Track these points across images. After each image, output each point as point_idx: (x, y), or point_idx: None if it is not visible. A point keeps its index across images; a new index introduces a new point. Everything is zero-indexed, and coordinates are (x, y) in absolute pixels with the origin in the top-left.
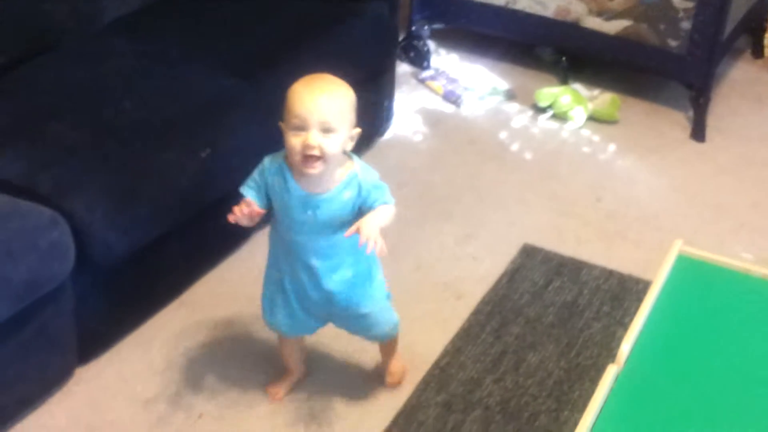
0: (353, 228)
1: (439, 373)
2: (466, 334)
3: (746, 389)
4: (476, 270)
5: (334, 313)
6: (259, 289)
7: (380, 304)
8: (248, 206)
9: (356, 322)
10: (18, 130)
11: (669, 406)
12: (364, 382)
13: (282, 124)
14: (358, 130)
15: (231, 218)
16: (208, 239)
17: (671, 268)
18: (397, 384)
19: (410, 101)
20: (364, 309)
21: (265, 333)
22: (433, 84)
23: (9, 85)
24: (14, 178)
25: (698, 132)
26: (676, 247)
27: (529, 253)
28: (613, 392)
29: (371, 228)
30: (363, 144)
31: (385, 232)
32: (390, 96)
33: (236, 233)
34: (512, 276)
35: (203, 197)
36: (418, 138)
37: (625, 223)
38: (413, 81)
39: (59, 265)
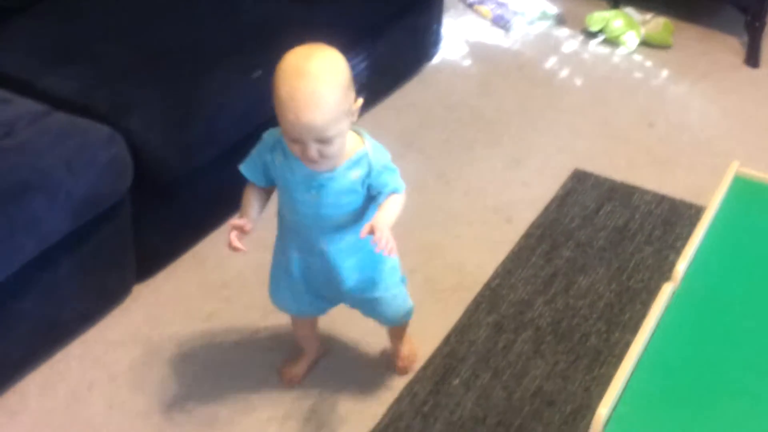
0: (366, 228)
1: (490, 294)
2: (517, 257)
3: None
4: (526, 194)
5: (346, 295)
6: None
7: (393, 289)
8: (240, 229)
9: (368, 306)
10: (70, 51)
11: (724, 326)
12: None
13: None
14: (360, 102)
15: (233, 248)
16: None
17: (728, 189)
18: (407, 369)
19: (458, 26)
20: (376, 293)
21: None
22: (482, 8)
23: (59, 7)
24: (70, 96)
25: (752, 57)
26: (733, 169)
27: (579, 178)
28: (668, 311)
29: (385, 229)
30: (411, 69)
31: (436, 155)
32: (438, 20)
33: None
34: (563, 200)
35: (256, 118)
36: (467, 63)
37: (678, 149)
38: (461, 5)
39: (118, 182)
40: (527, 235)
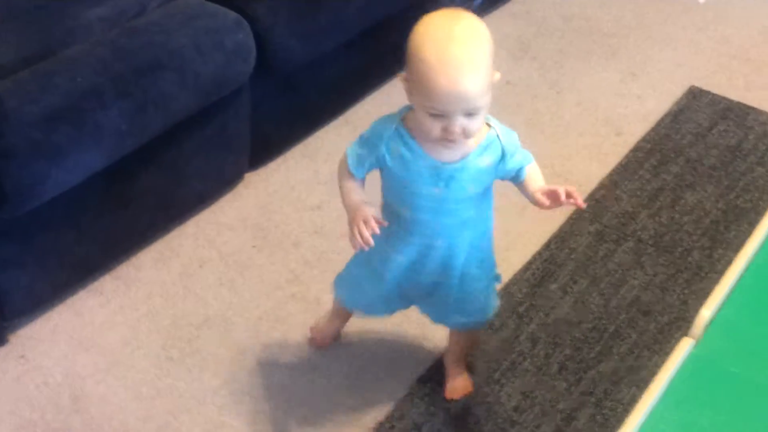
0: (544, 195)
1: (594, 204)
2: (624, 169)
3: None
4: (639, 108)
5: (435, 295)
6: None
7: (491, 285)
8: (369, 224)
9: (455, 305)
10: None
11: None
12: None
13: (406, 84)
14: (498, 75)
15: (359, 245)
16: (378, 58)
17: None
18: (455, 398)
19: None
20: (475, 287)
21: None
22: None
23: None
24: None
25: None
26: None
27: (695, 94)
28: None
29: (558, 185)
30: None
31: (550, 64)
32: None
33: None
34: (676, 116)
35: (378, 13)
36: None
37: None
38: None
39: (242, 66)
40: (636, 149)
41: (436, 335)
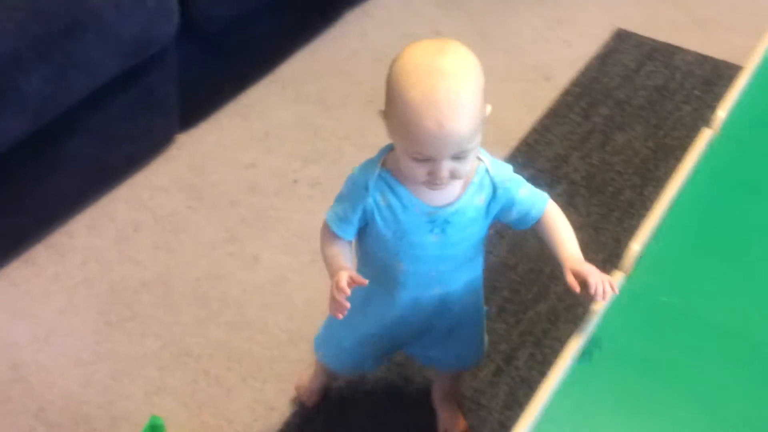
0: (575, 281)
1: (527, 149)
2: (554, 114)
3: None
4: (566, 53)
5: (426, 338)
6: (350, 68)
7: (482, 321)
8: (342, 289)
9: (448, 349)
10: None
11: (763, 174)
12: None
13: (386, 122)
14: (490, 108)
15: (338, 313)
16: (304, 14)
17: None
18: None
19: None
20: (469, 331)
21: (359, 109)
22: None
23: None
24: None
25: None
26: None
27: (621, 37)
28: (705, 157)
29: (595, 271)
30: None
31: (477, 14)
32: None
33: (330, 15)
34: (603, 59)
35: None
36: None
37: (721, 9)
38: None
39: (165, 25)
40: (566, 93)
41: None
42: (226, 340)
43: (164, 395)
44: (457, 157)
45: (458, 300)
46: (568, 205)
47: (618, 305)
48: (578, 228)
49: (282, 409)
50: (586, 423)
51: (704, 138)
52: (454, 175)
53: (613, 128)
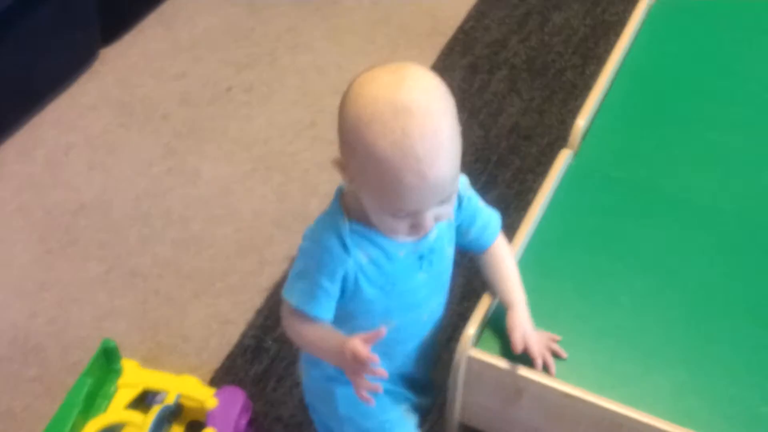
0: (520, 342)
1: (464, 37)
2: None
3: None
4: None
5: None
6: None
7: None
8: (365, 363)
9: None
10: None
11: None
12: None
13: (347, 176)
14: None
15: (366, 397)
16: None
17: None
18: None
19: None
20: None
21: (291, 8)
22: None
23: None
24: None
25: None
26: None
27: None
28: (645, 27)
29: (536, 340)
30: None
31: None
32: None
33: None
34: None
35: None
36: None
37: None
38: None
39: None
40: None
41: (298, 188)
42: (174, 257)
43: (115, 318)
44: (442, 201)
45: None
46: (510, 91)
47: (568, 182)
48: (523, 113)
49: (237, 322)
50: (544, 304)
51: (641, 9)
52: (438, 219)
53: (550, 8)
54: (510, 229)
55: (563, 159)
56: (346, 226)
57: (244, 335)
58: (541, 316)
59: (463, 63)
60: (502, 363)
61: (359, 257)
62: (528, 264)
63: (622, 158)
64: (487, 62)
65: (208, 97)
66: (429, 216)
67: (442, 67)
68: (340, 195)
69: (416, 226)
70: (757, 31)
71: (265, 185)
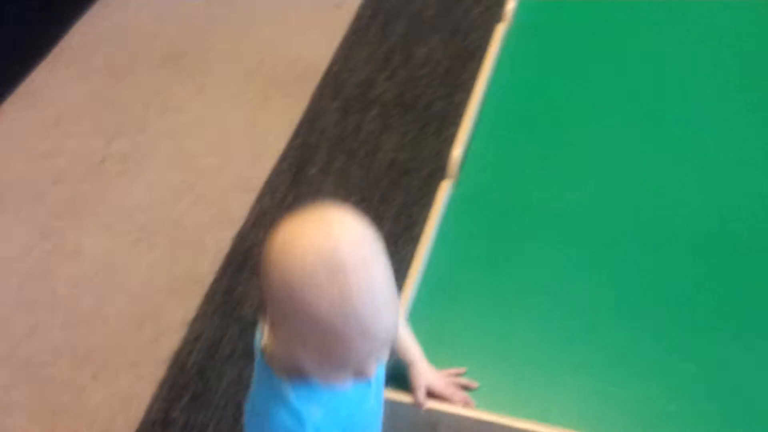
0: (423, 394)
1: (332, 81)
2: (352, 40)
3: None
4: None
5: None
6: (135, 28)
7: None
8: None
9: None
10: None
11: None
12: None
13: (281, 335)
14: None
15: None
16: None
17: None
18: None
19: None
20: None
21: (153, 70)
22: None
23: None
24: None
25: None
26: None
27: None
28: (504, 52)
29: (445, 384)
30: None
31: None
32: None
33: None
34: None
35: None
36: None
37: None
38: None
39: None
40: (359, 17)
41: (187, 251)
42: (67, 340)
43: (13, 412)
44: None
45: None
46: (384, 128)
47: (452, 212)
48: (399, 148)
49: (141, 396)
50: (445, 333)
51: (499, 33)
52: (381, 360)
53: (412, 43)
54: (402, 262)
55: (445, 190)
56: (290, 392)
57: (149, 409)
58: (443, 345)
59: (334, 106)
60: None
61: (314, 416)
62: (424, 296)
63: (501, 181)
64: (358, 102)
65: (82, 172)
66: (373, 362)
67: (315, 112)
68: (267, 358)
69: (361, 373)
70: (609, 48)
71: (152, 253)
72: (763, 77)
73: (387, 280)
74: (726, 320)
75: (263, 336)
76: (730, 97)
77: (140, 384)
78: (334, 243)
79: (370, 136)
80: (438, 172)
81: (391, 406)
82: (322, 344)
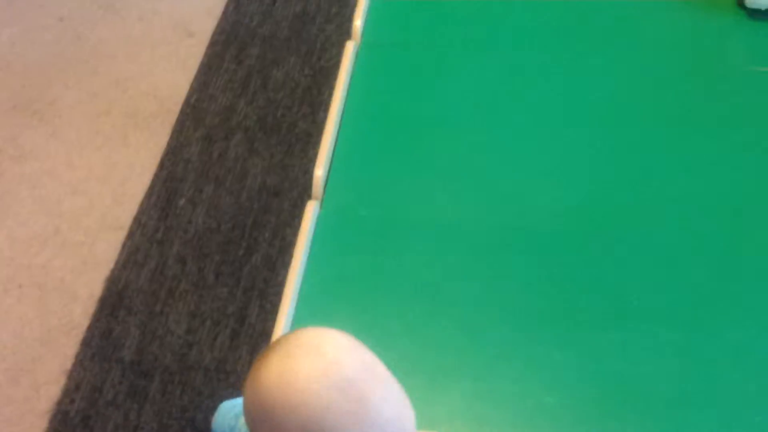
0: None
1: (192, 111)
2: (208, 68)
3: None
4: (200, 5)
5: None
6: None
7: None
8: None
9: None
10: None
11: (410, 75)
12: None
13: None
14: None
15: None
16: None
17: None
18: None
19: None
20: None
21: (3, 117)
22: None
23: None
24: None
25: None
26: None
27: None
28: (355, 69)
29: None
30: None
31: None
32: None
33: None
34: (237, 2)
35: None
36: None
37: None
38: None
39: None
40: (213, 44)
41: (59, 298)
42: None
43: None
44: None
45: None
46: (249, 153)
47: (321, 232)
48: (267, 171)
49: None
50: None
51: (349, 51)
52: None
53: (269, 65)
54: (282, 285)
55: (311, 210)
56: None
57: None
58: None
59: (197, 136)
60: None
61: None
62: (302, 318)
63: (365, 197)
64: (221, 130)
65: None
66: None
67: (177, 143)
68: None
69: None
70: (460, 58)
71: (22, 304)
72: (627, 77)
73: (390, 377)
74: (594, 310)
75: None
76: (577, 99)
77: None
78: (334, 361)
79: (236, 162)
80: (308, 191)
81: None
82: None
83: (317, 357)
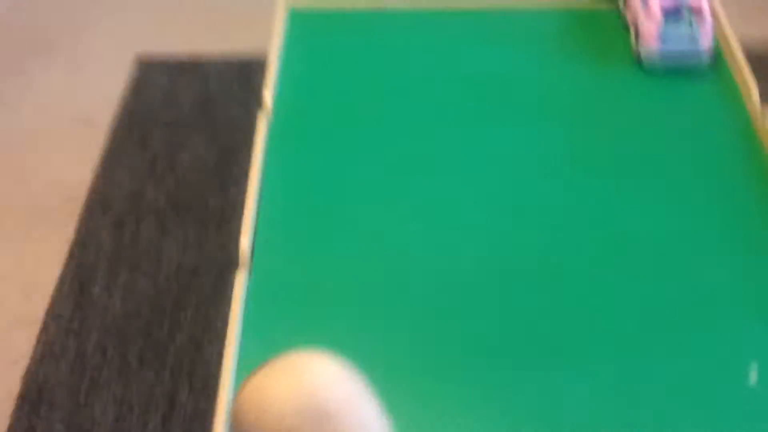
0: None
1: (99, 197)
2: (112, 155)
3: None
4: (97, 94)
5: None
6: None
7: None
8: None
9: None
10: None
11: (324, 143)
12: None
13: None
14: None
15: None
16: None
17: (284, 24)
18: None
19: None
20: None
21: None
22: None
23: None
24: None
25: None
26: (282, 5)
27: (144, 61)
28: (268, 143)
29: None
30: None
31: None
32: None
33: None
34: (137, 88)
35: None
36: None
37: (234, 7)
38: None
39: None
40: (114, 132)
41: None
42: None
43: None
44: None
45: None
46: (162, 234)
47: (253, 301)
48: (183, 251)
49: None
50: None
51: (261, 123)
52: None
53: (175, 146)
54: (209, 364)
55: (241, 281)
56: None
57: None
58: None
59: (106, 222)
60: None
61: None
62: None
63: (294, 262)
64: (131, 214)
65: None
66: None
67: (86, 231)
68: None
69: None
70: (367, 114)
71: None
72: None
73: (373, 416)
74: (523, 351)
75: None
76: (481, 148)
77: None
78: (309, 389)
79: (150, 245)
80: (231, 266)
81: None
82: None
83: (298, 385)
